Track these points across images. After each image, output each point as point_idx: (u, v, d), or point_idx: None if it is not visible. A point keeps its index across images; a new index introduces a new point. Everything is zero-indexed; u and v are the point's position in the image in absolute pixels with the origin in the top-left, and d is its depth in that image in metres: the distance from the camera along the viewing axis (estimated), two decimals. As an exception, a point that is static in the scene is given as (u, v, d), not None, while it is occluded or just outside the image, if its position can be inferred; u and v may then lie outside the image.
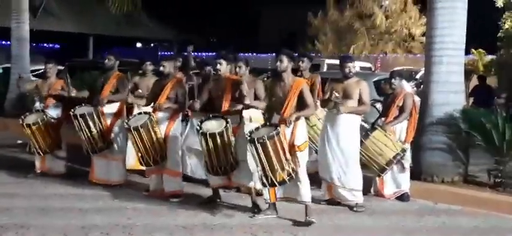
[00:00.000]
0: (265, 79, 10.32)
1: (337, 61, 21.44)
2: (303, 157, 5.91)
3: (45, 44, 31.20)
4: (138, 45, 36.90)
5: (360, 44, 22.26)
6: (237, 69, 6.61)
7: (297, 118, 5.82)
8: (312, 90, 7.07)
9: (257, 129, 5.85)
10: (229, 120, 6.09)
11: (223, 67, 6.40)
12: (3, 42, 25.53)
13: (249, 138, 5.67)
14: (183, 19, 33.11)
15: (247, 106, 6.16)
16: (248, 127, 6.14)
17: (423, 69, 8.59)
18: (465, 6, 7.68)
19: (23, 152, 9.13)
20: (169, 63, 6.82)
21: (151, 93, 6.98)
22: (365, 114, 6.77)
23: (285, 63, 5.88)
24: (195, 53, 30.13)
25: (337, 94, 6.27)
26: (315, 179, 6.57)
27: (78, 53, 26.31)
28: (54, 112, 7.69)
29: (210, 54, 31.42)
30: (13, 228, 5.44)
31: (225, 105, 6.33)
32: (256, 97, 6.37)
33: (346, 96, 6.42)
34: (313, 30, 24.20)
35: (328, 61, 19.66)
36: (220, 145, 5.98)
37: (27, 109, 8.00)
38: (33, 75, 14.00)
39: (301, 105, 5.88)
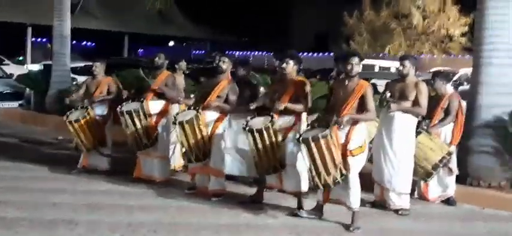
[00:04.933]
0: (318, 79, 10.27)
1: (371, 62, 21.31)
2: (356, 163, 5.74)
3: (81, 42, 31.73)
4: (171, 43, 37.17)
5: (396, 44, 21.94)
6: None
7: (351, 121, 5.71)
8: None
9: (309, 129, 5.79)
10: (274, 117, 6.00)
11: (290, 66, 6.21)
12: (42, 40, 26.04)
13: (297, 138, 5.63)
14: (215, 19, 33.23)
15: (306, 110, 6.12)
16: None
17: (461, 70, 8.38)
18: (517, 5, 7.47)
19: (63, 148, 9.28)
20: (228, 61, 6.71)
21: (202, 91, 6.94)
22: (421, 116, 6.55)
23: (355, 64, 5.77)
24: (230, 52, 30.19)
25: (389, 94, 6.17)
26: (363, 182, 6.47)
27: (113, 51, 26.67)
28: (99, 110, 7.77)
29: (242, 53, 31.54)
30: (62, 223, 5.50)
31: (285, 99, 6.10)
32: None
33: (402, 96, 6.28)
34: (348, 30, 23.97)
35: (363, 61, 19.49)
36: (260, 142, 5.89)
37: (67, 106, 8.06)
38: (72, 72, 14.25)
39: (362, 109, 5.76)
